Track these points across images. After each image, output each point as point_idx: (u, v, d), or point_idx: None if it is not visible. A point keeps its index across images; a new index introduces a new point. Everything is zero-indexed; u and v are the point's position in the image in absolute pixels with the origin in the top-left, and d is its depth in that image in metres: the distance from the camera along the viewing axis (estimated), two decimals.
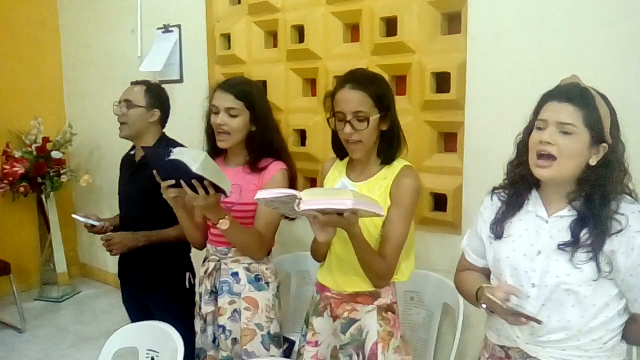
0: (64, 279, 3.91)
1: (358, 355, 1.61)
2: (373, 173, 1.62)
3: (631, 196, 1.25)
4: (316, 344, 1.68)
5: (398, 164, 1.61)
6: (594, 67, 1.81)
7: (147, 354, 1.73)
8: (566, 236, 1.24)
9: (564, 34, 1.87)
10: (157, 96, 2.20)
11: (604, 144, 1.20)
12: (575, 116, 1.19)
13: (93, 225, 2.18)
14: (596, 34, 1.81)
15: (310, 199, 1.34)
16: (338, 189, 1.51)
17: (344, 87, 1.56)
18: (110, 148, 3.89)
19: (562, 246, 1.23)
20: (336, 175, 1.70)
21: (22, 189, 3.54)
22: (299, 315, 1.80)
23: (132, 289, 2.27)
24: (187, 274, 2.19)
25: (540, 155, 1.23)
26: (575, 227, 1.23)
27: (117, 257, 2.27)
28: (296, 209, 1.34)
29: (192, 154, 1.55)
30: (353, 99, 1.53)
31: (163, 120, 2.23)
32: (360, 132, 1.54)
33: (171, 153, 1.55)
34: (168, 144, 2.11)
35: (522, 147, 1.32)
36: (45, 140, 3.64)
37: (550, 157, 1.21)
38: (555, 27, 1.89)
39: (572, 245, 1.22)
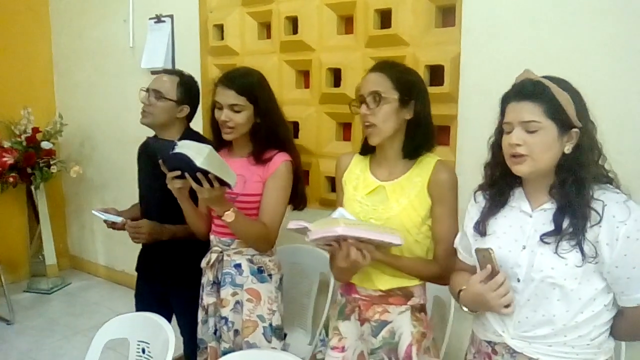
0: (53, 271, 3.88)
1: (390, 359, 1.53)
2: (402, 171, 1.56)
3: (611, 184, 1.25)
4: (343, 349, 1.58)
5: (431, 160, 1.55)
6: (589, 60, 1.82)
7: (138, 345, 1.72)
8: (550, 228, 1.24)
9: (559, 27, 1.87)
10: (189, 91, 2.09)
11: (575, 129, 1.21)
12: (535, 112, 1.20)
13: (114, 223, 2.06)
14: (591, 27, 1.82)
15: (314, 229, 1.38)
16: (333, 219, 1.46)
17: (369, 73, 1.56)
18: (102, 139, 3.86)
19: (543, 237, 1.23)
20: (358, 174, 1.63)
21: (11, 179, 3.50)
22: (290, 307, 1.79)
23: (153, 284, 2.18)
24: None
25: (513, 156, 1.24)
26: (557, 218, 1.23)
27: (136, 250, 2.21)
28: (306, 239, 1.39)
29: (197, 148, 1.54)
30: (371, 80, 1.53)
31: (190, 115, 2.13)
32: (375, 115, 1.49)
33: (176, 146, 1.55)
34: (193, 138, 1.90)
35: (496, 148, 1.33)
36: (35, 130, 3.60)
37: (522, 155, 1.23)
38: (550, 20, 1.89)
39: (554, 235, 1.22)
